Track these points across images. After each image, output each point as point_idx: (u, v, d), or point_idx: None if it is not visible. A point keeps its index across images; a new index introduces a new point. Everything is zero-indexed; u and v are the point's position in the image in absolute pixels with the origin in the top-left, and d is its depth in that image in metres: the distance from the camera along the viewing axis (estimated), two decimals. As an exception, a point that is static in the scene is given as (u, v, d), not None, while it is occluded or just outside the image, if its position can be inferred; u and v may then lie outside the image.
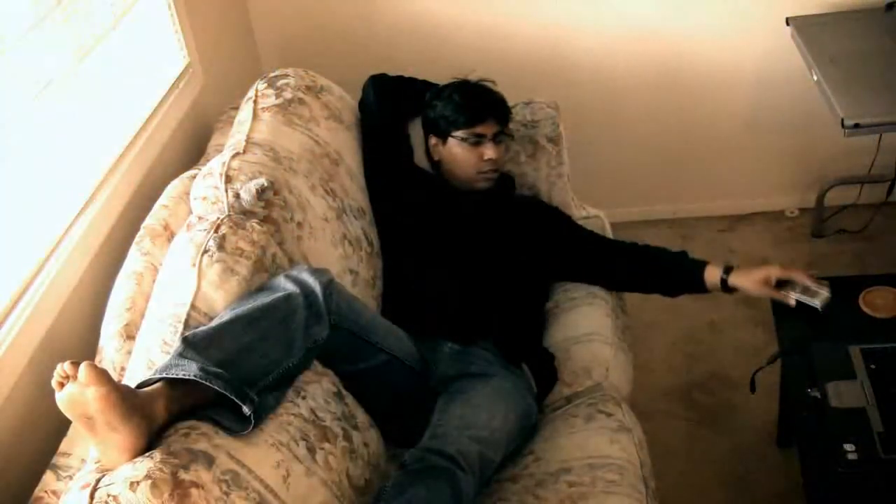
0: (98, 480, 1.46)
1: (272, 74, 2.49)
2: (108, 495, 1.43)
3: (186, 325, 1.77)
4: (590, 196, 2.87)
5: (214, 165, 2.12)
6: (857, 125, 2.57)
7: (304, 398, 1.84)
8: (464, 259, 2.37)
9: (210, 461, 1.53)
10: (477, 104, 2.47)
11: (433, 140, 2.53)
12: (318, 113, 2.45)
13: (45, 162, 2.01)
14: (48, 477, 1.68)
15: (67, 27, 2.14)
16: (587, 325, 2.39)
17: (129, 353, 1.85)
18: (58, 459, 1.72)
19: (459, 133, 2.45)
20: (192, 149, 2.67)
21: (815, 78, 2.81)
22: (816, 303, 2.25)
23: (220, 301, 1.84)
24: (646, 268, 2.44)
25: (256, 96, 2.40)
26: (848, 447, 1.95)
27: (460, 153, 2.45)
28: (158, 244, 2.07)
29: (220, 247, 1.91)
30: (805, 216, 3.58)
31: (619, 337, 2.40)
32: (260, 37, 3.41)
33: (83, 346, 1.97)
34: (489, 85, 2.54)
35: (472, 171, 2.45)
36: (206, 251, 1.89)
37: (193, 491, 1.47)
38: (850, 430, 1.99)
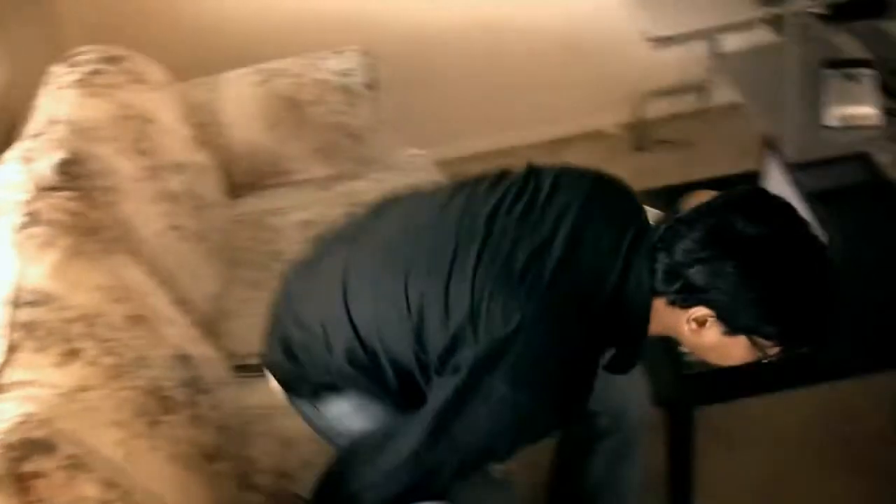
0: None
1: (67, 55, 2.46)
2: (-50, 500, 1.38)
3: (16, 304, 1.72)
4: (415, 138, 2.89)
5: (12, 152, 2.10)
6: (664, 37, 2.65)
7: (146, 367, 1.80)
8: None
9: (51, 449, 1.49)
10: (823, 332, 1.58)
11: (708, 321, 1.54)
12: (121, 79, 2.42)
13: None
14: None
15: None
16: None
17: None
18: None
19: (773, 347, 1.55)
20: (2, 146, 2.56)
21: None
22: None
23: (45, 274, 1.79)
24: None
25: (53, 78, 2.37)
26: None
27: (737, 353, 1.58)
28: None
29: (34, 221, 1.88)
30: (624, 132, 3.67)
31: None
32: (69, 29, 3.24)
33: None
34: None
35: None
36: (20, 228, 1.86)
37: (37, 482, 1.44)
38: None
